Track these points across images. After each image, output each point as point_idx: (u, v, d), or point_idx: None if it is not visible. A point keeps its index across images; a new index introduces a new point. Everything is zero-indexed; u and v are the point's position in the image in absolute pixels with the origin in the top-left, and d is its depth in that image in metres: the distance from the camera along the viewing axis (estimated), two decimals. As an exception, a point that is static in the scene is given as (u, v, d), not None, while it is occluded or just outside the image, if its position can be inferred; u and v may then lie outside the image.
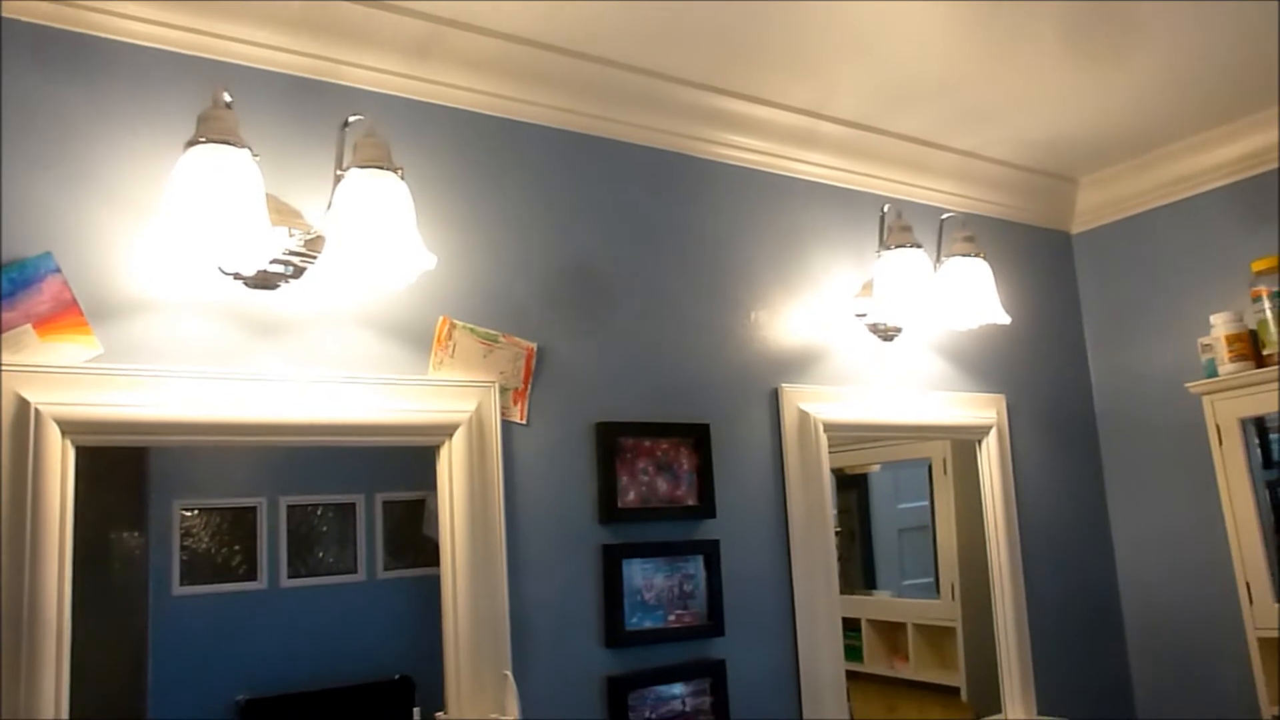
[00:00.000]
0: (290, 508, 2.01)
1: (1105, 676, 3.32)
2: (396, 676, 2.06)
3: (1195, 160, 3.23)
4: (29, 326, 1.75)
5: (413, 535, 2.15)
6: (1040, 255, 3.50)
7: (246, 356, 1.96)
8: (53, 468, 1.71)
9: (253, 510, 1.98)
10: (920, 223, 2.85)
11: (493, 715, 2.03)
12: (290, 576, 2.00)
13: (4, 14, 1.82)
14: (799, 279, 2.82)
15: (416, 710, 1.99)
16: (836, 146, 2.91)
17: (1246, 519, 2.87)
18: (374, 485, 2.11)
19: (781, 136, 2.80)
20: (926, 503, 3.15)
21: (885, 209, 2.86)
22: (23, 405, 1.70)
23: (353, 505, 2.08)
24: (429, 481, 2.13)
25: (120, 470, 1.84)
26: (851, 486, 2.80)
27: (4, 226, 1.77)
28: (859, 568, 3.08)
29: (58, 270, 1.79)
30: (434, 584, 2.10)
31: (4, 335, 1.72)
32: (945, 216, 2.99)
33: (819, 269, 2.87)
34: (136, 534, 1.88)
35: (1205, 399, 2.97)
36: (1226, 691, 3.08)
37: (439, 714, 2.00)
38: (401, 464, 2.15)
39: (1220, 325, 2.95)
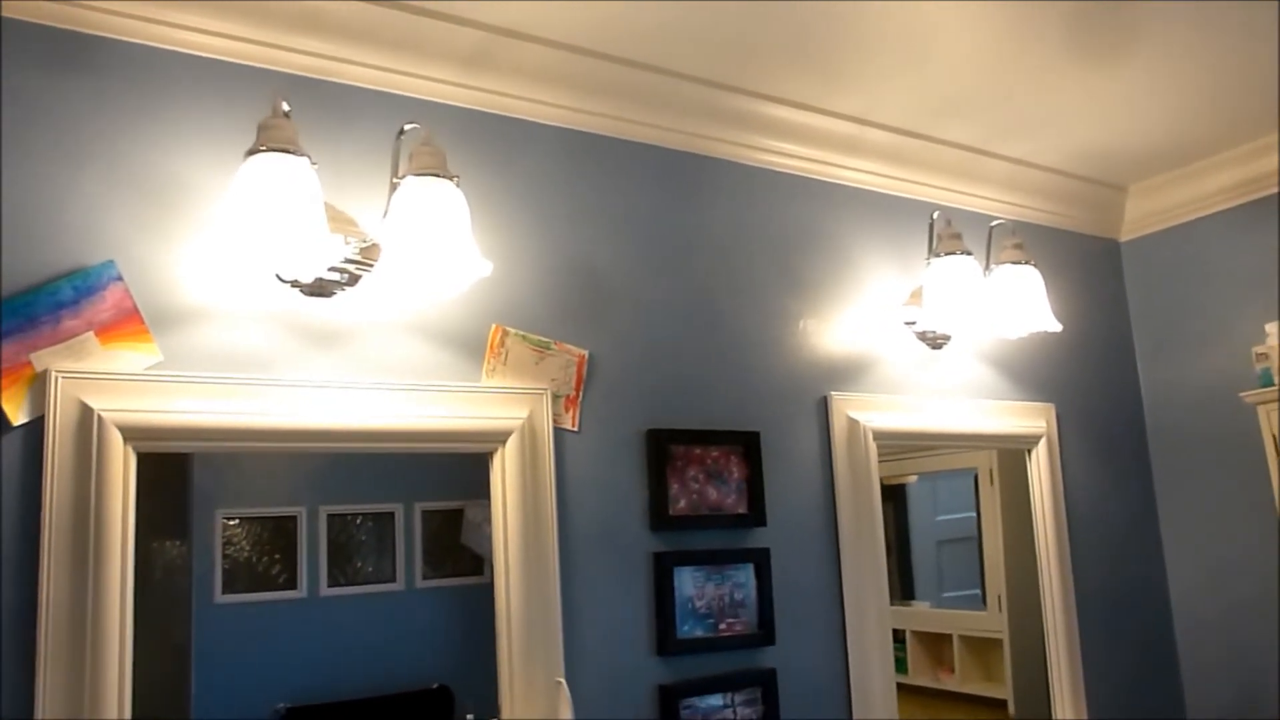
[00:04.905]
0: (330, 517, 2.02)
1: (1157, 690, 3.27)
2: (435, 686, 2.06)
3: (1245, 168, 3.19)
4: (91, 334, 1.77)
5: (451, 545, 2.15)
6: (1089, 263, 3.47)
7: (303, 364, 1.98)
8: (115, 473, 1.73)
9: (293, 519, 1.99)
10: (968, 230, 2.83)
11: (546, 722, 2.04)
12: (330, 585, 2.00)
13: (62, 25, 1.85)
14: (847, 287, 2.81)
15: (470, 717, 1.99)
16: (884, 154, 2.90)
17: (1303, 530, 2.83)
18: (413, 495, 2.12)
19: (829, 143, 2.80)
20: (966, 514, 3.12)
21: (934, 216, 2.84)
22: (86, 412, 1.72)
23: (391, 515, 2.09)
24: (468, 491, 2.14)
25: (164, 479, 1.84)
26: (888, 498, 2.79)
27: (67, 236, 1.79)
28: (896, 579, 3.05)
29: (120, 278, 1.81)
30: (472, 594, 2.11)
31: (68, 343, 1.74)
32: (995, 224, 2.97)
33: (867, 276, 2.85)
34: (179, 543, 1.89)
35: (1260, 409, 2.93)
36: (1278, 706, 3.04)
37: (492, 719, 2.00)
38: (440, 474, 2.16)
39: (1276, 334, 2.90)
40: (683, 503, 2.38)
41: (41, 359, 1.72)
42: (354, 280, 2.01)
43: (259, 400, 1.89)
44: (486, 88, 2.28)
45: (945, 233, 2.72)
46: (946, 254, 2.68)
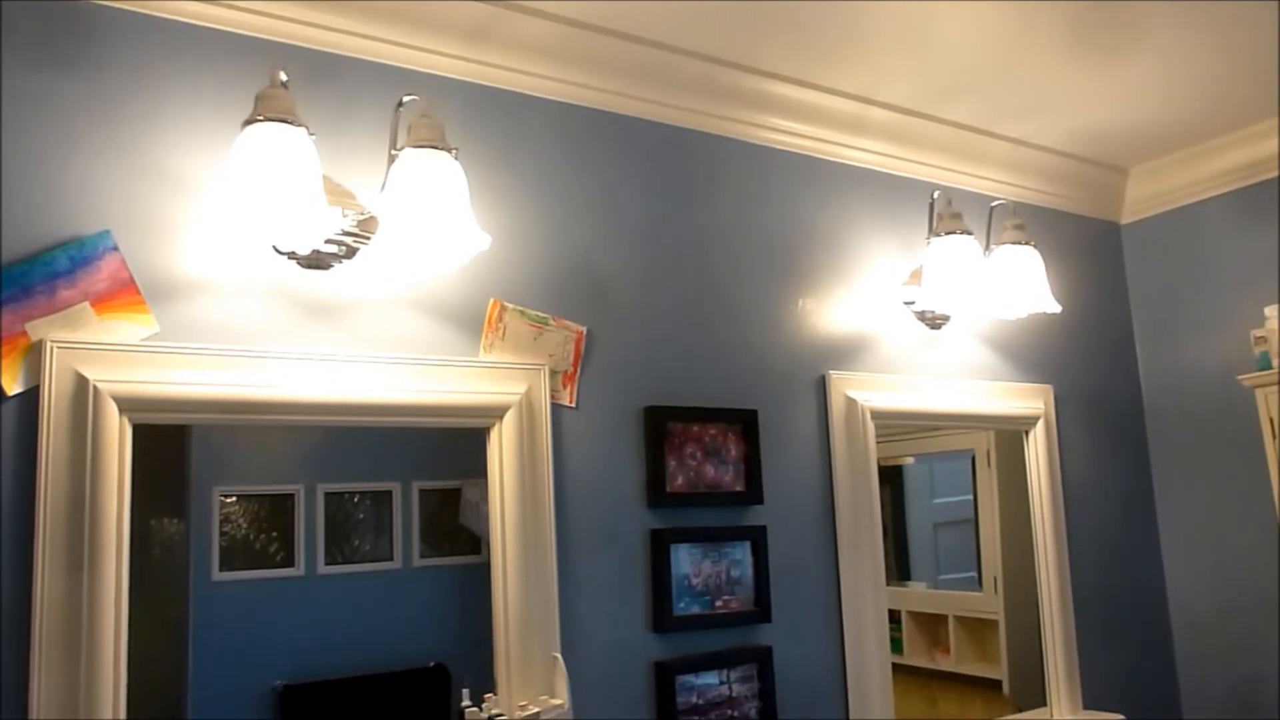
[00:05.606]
0: (328, 495, 2.02)
1: (1151, 672, 3.28)
2: (432, 664, 2.06)
3: (1247, 151, 3.19)
4: (87, 304, 1.76)
5: (448, 524, 2.14)
6: (1089, 245, 3.46)
7: (299, 336, 1.97)
8: (111, 444, 1.72)
9: (290, 497, 1.98)
10: (969, 211, 2.82)
11: (542, 697, 2.03)
12: (327, 564, 2.00)
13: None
14: (847, 266, 2.80)
15: (465, 690, 1.99)
16: (886, 133, 2.89)
17: (1300, 513, 2.83)
18: (410, 474, 2.11)
19: (831, 122, 2.78)
20: (963, 497, 3.12)
21: (935, 195, 2.84)
22: (81, 382, 1.71)
23: (389, 493, 2.08)
24: (465, 470, 2.13)
25: (161, 456, 1.83)
26: (885, 479, 2.78)
27: (63, 205, 1.78)
28: (892, 559, 3.05)
29: (115, 248, 1.80)
30: (469, 573, 2.11)
31: (63, 313, 1.73)
32: (995, 204, 2.96)
33: (867, 256, 2.85)
34: (177, 520, 1.88)
35: (1258, 392, 2.93)
36: (1275, 689, 3.04)
37: (488, 695, 2.01)
38: (438, 452, 2.15)
39: (1275, 317, 2.90)
40: (680, 480, 2.38)
41: (37, 329, 1.71)
42: (351, 253, 2.00)
43: (255, 372, 1.88)
44: (487, 61, 2.27)
45: (946, 212, 2.71)
46: (947, 233, 2.67)
